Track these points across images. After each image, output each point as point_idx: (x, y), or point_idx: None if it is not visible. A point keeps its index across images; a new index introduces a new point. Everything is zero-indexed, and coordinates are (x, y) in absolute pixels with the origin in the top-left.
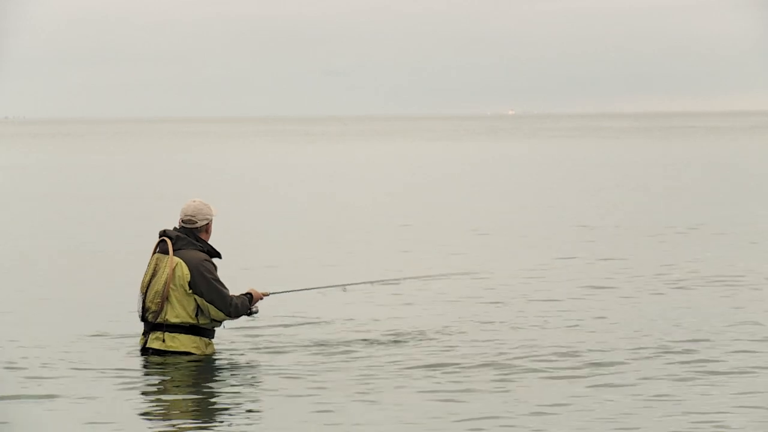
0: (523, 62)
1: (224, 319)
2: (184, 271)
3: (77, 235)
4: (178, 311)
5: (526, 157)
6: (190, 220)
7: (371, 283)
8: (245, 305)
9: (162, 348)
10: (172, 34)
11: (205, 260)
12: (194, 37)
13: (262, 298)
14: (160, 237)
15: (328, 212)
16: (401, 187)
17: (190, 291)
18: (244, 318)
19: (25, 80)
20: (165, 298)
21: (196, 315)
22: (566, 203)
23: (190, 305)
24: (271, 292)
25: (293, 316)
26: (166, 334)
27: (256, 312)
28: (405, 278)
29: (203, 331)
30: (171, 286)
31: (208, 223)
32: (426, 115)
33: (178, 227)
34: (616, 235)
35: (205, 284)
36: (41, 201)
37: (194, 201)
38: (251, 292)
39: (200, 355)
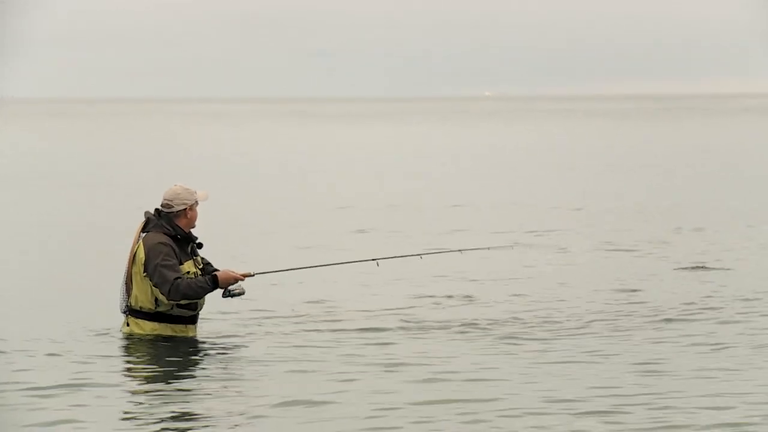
0: (503, 45)
1: (175, 302)
2: (140, 254)
3: (72, 216)
4: (139, 296)
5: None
6: (167, 204)
7: (375, 261)
8: (199, 288)
9: (127, 333)
10: (163, 17)
11: (161, 243)
12: (183, 18)
13: (239, 280)
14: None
15: (320, 196)
16: (390, 171)
17: (145, 274)
18: (236, 300)
19: (20, 60)
20: (130, 281)
21: (156, 300)
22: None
23: (147, 289)
24: (256, 272)
25: (285, 298)
26: (130, 318)
27: (240, 293)
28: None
29: (170, 317)
30: (133, 269)
31: (186, 209)
32: (403, 98)
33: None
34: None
35: (151, 266)
36: (33, 182)
37: (175, 185)
38: (218, 274)
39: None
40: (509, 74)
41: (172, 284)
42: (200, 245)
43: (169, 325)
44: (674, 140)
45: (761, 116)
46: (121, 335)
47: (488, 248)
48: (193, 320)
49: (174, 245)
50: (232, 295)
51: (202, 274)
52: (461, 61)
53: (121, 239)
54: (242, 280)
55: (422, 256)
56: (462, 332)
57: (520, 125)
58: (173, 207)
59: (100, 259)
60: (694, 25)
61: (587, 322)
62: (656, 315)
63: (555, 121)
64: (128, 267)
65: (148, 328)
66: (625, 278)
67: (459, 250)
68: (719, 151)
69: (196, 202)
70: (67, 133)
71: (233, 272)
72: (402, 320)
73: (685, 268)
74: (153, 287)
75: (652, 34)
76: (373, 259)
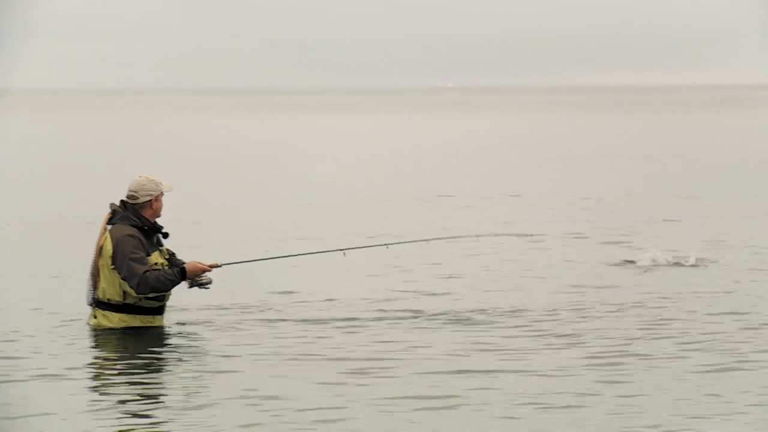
0: (464, 37)
1: (142, 295)
2: (107, 247)
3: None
4: (106, 288)
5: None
6: (132, 195)
7: (342, 251)
8: (165, 280)
9: (93, 325)
10: (142, 8)
11: (129, 235)
12: (162, 8)
13: (207, 271)
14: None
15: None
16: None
17: (113, 267)
18: (202, 290)
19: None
20: (96, 273)
21: (124, 292)
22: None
23: (116, 281)
24: (223, 263)
25: (255, 290)
26: (98, 311)
27: (206, 282)
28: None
29: (138, 309)
30: (100, 262)
31: (151, 200)
32: (365, 89)
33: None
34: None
35: (120, 259)
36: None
37: (140, 176)
38: (186, 266)
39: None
40: (470, 66)
41: (140, 278)
42: (166, 235)
43: (137, 316)
44: (639, 131)
45: (734, 108)
46: (88, 327)
47: (455, 238)
48: (160, 311)
49: (141, 237)
50: (200, 285)
51: (168, 265)
52: (422, 51)
53: (89, 230)
54: (210, 270)
55: (388, 245)
56: (430, 323)
57: (485, 116)
58: (138, 198)
59: (67, 250)
60: (659, 16)
61: (553, 312)
62: (631, 307)
63: (519, 112)
64: (95, 259)
65: (116, 319)
66: (598, 269)
67: (426, 240)
68: (684, 142)
69: (162, 193)
70: (41, 124)
71: (201, 263)
72: (371, 311)
73: (654, 262)
74: (121, 279)
75: (616, 25)
76: (340, 250)
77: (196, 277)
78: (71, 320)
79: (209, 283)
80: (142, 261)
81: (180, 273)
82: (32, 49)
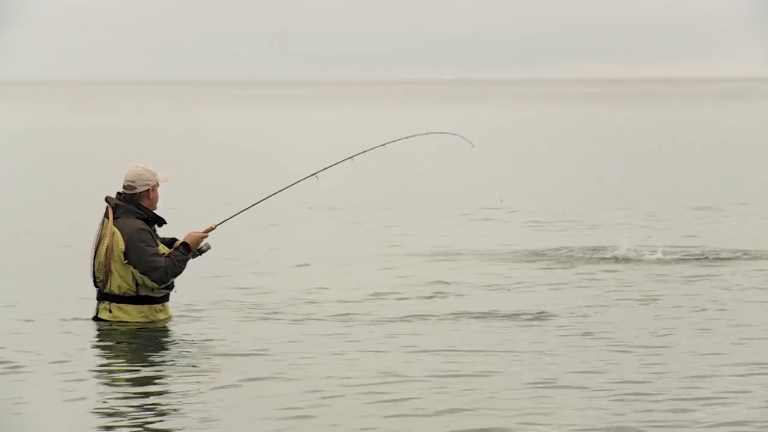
0: (457, 28)
1: (163, 285)
2: (119, 243)
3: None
4: (120, 282)
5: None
6: (130, 186)
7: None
8: (180, 262)
9: (109, 319)
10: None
11: (141, 229)
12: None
13: (204, 237)
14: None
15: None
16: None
17: (125, 261)
18: (198, 260)
19: None
20: (108, 268)
21: (137, 285)
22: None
23: (129, 276)
24: (216, 224)
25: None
26: (113, 304)
27: (206, 249)
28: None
29: (151, 299)
30: (111, 256)
31: (149, 189)
32: (361, 80)
33: (121, 193)
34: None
35: (136, 255)
36: None
37: (136, 167)
38: (186, 240)
39: (148, 322)
40: (464, 58)
41: (161, 271)
42: (162, 223)
43: (151, 306)
44: (624, 124)
45: (720, 101)
46: (103, 321)
47: (424, 134)
48: (167, 298)
49: (150, 229)
50: (201, 253)
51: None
52: (415, 43)
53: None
54: (207, 236)
55: (354, 158)
56: (450, 320)
57: (492, 108)
58: (136, 188)
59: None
60: (648, 7)
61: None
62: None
63: (530, 103)
64: (107, 254)
65: (133, 311)
66: (573, 262)
67: (383, 144)
68: (674, 135)
69: (158, 184)
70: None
71: (197, 232)
72: (373, 308)
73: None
74: (140, 274)
75: (608, 17)
76: (312, 174)
77: (197, 248)
78: (85, 315)
79: (208, 248)
80: (158, 254)
81: (185, 249)
82: None
